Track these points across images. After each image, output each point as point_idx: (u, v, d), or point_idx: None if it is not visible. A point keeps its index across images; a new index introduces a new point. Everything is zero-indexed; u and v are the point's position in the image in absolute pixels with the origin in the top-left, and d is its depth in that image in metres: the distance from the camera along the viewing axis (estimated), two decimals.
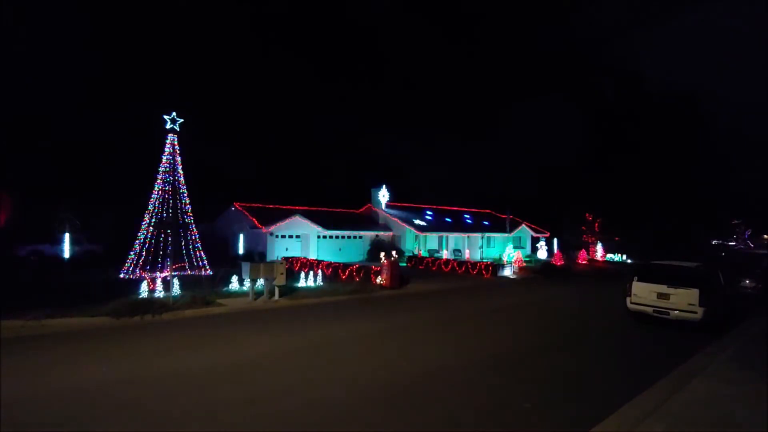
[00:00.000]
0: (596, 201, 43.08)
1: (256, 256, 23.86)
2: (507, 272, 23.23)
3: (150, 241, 17.18)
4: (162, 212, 17.38)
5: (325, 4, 77.99)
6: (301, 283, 15.87)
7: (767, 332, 10.24)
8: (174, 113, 17.97)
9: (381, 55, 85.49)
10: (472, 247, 33.44)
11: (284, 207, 29.77)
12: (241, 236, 22.90)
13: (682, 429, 4.95)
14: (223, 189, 36.44)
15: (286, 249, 26.57)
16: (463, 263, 23.69)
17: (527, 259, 31.47)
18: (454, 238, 33.27)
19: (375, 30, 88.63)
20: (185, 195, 18.20)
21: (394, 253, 20.09)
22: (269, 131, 65.30)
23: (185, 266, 17.23)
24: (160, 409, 5.39)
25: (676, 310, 10.26)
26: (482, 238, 34.51)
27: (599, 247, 37.28)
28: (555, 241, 38.35)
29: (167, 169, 17.87)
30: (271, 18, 75.12)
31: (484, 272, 22.25)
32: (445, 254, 30.73)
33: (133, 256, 16.97)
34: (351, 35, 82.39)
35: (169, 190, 17.72)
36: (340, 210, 33.32)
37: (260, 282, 13.50)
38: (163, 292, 12.41)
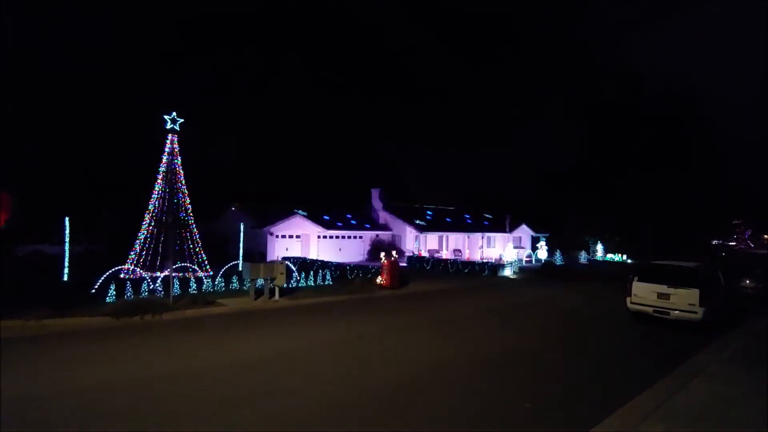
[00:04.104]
0: (596, 201, 43.06)
1: (256, 256, 23.84)
2: (507, 272, 23.24)
3: (150, 241, 17.17)
4: (162, 212, 17.38)
5: (328, 6, 78.02)
6: (302, 283, 15.88)
7: (767, 332, 10.24)
8: (174, 113, 17.96)
9: (381, 55, 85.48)
10: (472, 247, 33.41)
11: (284, 207, 29.77)
12: (241, 236, 22.90)
13: (682, 429, 4.95)
14: (223, 189, 36.42)
15: (286, 249, 26.56)
16: (463, 263, 23.69)
17: (527, 258, 31.45)
18: (454, 238, 33.26)
19: (375, 30, 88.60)
20: (185, 195, 18.20)
21: (394, 253, 20.07)
22: (269, 131, 65.32)
23: (185, 266, 17.22)
24: (162, 409, 5.39)
25: (677, 310, 10.24)
26: (482, 238, 34.47)
27: (599, 247, 37.26)
28: (555, 241, 38.34)
29: (167, 169, 17.87)
30: (272, 18, 75.13)
31: (484, 272, 22.24)
32: (445, 254, 30.71)
33: (133, 256, 16.96)
34: (353, 36, 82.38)
35: (169, 190, 17.71)
36: (340, 210, 33.29)
37: (260, 282, 13.50)
38: (163, 292, 12.41)
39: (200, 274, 16.11)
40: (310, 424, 5.07)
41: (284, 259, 23.40)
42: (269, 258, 24.64)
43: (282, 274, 13.36)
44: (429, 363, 7.51)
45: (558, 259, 29.49)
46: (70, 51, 49.52)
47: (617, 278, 21.16)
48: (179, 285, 13.01)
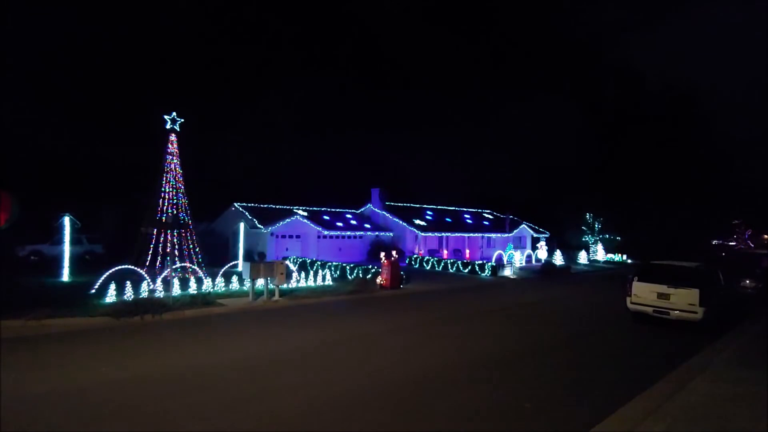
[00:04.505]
0: (596, 201, 43.05)
1: (256, 256, 23.82)
2: (507, 272, 23.23)
3: (150, 241, 17.15)
4: (162, 212, 17.37)
5: (328, 5, 78.04)
6: (302, 283, 15.88)
7: (767, 332, 10.24)
8: (174, 113, 17.96)
9: (382, 55, 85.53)
10: (473, 247, 33.40)
11: (284, 207, 29.76)
12: (241, 236, 23.04)
13: (682, 429, 4.95)
14: (223, 189, 36.42)
15: (286, 249, 26.55)
16: (463, 263, 23.68)
17: (527, 259, 31.44)
18: (454, 238, 33.23)
19: (376, 29, 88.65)
20: (185, 195, 18.19)
21: (394, 253, 20.07)
22: (270, 130, 65.35)
23: (185, 266, 17.22)
24: (161, 409, 5.39)
25: (677, 310, 10.24)
26: (482, 238, 34.47)
27: (599, 247, 37.24)
28: (555, 241, 38.30)
29: (167, 169, 17.86)
30: (273, 16, 75.17)
31: (484, 272, 22.24)
32: (445, 254, 30.70)
33: (133, 256, 16.94)
34: (353, 35, 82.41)
35: (169, 190, 17.70)
36: (340, 210, 33.30)
37: (260, 282, 13.50)
38: (163, 292, 12.41)
39: (200, 274, 16.13)
40: (311, 424, 5.07)
41: (284, 259, 23.39)
42: (269, 258, 24.61)
43: (282, 274, 13.36)
44: (429, 362, 7.51)
45: (558, 259, 29.46)
46: (71, 51, 49.49)
47: (617, 278, 21.18)
48: (179, 285, 13.02)
